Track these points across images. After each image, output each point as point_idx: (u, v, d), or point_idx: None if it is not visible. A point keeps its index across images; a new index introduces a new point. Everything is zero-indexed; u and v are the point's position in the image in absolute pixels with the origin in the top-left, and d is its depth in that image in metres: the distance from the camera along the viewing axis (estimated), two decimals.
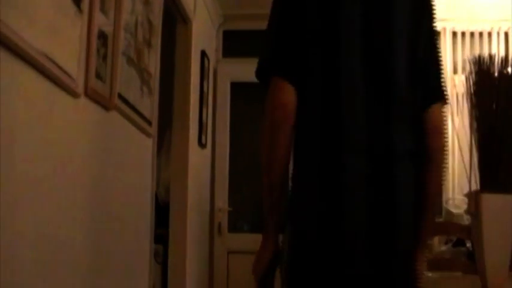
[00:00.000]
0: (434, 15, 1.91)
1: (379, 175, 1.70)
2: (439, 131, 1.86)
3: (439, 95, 1.88)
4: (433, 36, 1.92)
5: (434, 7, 1.92)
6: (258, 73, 1.80)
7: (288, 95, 1.70)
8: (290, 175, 1.75)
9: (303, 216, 1.71)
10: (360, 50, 1.75)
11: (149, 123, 3.30)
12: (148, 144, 3.39)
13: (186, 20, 4.51)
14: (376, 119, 1.72)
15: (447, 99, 1.91)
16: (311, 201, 1.69)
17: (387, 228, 1.69)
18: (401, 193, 1.72)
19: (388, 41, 1.78)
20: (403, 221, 1.71)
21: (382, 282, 1.68)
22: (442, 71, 1.92)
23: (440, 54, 1.92)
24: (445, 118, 1.86)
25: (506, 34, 5.77)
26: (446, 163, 1.86)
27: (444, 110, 1.88)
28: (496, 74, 2.12)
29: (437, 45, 1.92)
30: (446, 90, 1.90)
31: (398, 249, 1.71)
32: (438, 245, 4.68)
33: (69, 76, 2.15)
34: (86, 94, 2.36)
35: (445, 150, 1.86)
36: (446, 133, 1.86)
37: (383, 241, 1.68)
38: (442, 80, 1.90)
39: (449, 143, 5.65)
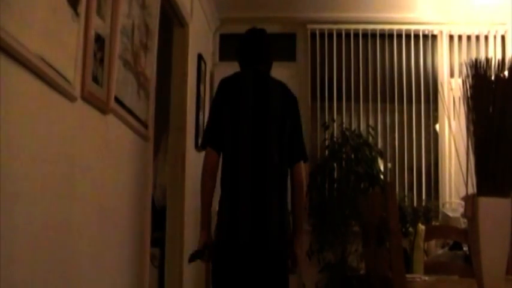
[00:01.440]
0: (297, 112, 3.37)
1: (258, 206, 3.12)
2: (300, 178, 3.30)
3: (300, 157, 3.32)
4: (297, 125, 3.34)
5: (296, 106, 3.38)
6: (201, 145, 3.30)
7: (214, 157, 3.19)
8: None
9: (223, 218, 3.16)
10: (250, 132, 3.19)
11: (146, 126, 3.30)
12: (145, 148, 3.39)
13: (182, 24, 4.51)
14: (257, 175, 3.14)
15: (306, 158, 3.38)
16: (226, 211, 3.15)
17: (262, 231, 3.11)
18: (271, 212, 3.13)
19: (265, 132, 3.21)
20: (272, 230, 3.12)
21: (261, 250, 3.10)
22: (303, 143, 3.38)
23: (301, 135, 3.37)
24: (303, 170, 3.34)
25: (502, 37, 5.79)
26: (304, 192, 3.38)
27: (303, 165, 3.34)
28: (492, 78, 2.12)
29: (300, 130, 3.36)
30: (305, 153, 3.37)
31: (269, 235, 3.11)
32: (435, 248, 4.68)
33: (66, 79, 2.15)
34: (83, 97, 2.36)
35: (303, 187, 3.34)
36: (304, 179, 3.32)
37: (260, 229, 3.10)
38: (303, 148, 3.36)
39: (446, 147, 5.67)
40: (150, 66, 3.34)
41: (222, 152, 3.20)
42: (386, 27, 5.88)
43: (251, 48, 3.55)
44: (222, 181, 3.22)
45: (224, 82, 3.38)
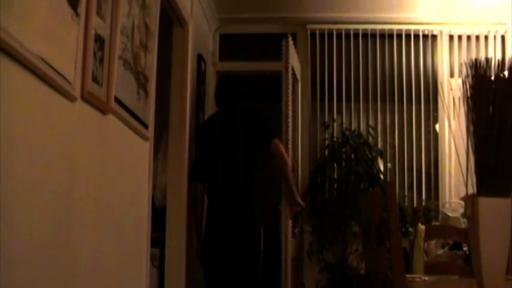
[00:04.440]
0: (257, 121, 4.52)
1: (235, 216, 4.35)
2: (277, 160, 4.48)
3: (268, 139, 4.44)
4: (257, 126, 4.49)
5: (256, 118, 4.53)
6: (190, 179, 4.50)
7: (200, 187, 4.48)
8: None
9: (208, 227, 4.42)
10: (222, 160, 4.41)
11: (146, 126, 3.29)
12: (145, 148, 3.39)
13: (182, 24, 4.51)
14: (232, 184, 4.40)
15: (273, 137, 4.45)
16: (210, 221, 4.44)
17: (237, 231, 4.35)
18: (241, 209, 4.34)
19: (233, 154, 4.42)
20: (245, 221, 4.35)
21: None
22: (265, 130, 4.47)
23: (263, 127, 4.48)
24: (278, 147, 4.43)
25: (502, 37, 5.79)
26: (284, 161, 4.46)
27: (275, 142, 4.42)
28: (492, 78, 2.12)
29: (261, 126, 4.49)
30: (270, 135, 4.45)
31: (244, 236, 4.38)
32: (435, 248, 4.69)
33: (66, 80, 2.15)
34: (83, 98, 2.35)
35: (282, 163, 4.47)
36: (280, 155, 4.44)
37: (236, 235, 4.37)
38: (266, 134, 4.46)
39: (446, 147, 5.67)
40: (150, 66, 3.34)
41: (208, 182, 4.49)
42: (386, 27, 5.88)
43: (223, 91, 4.73)
44: (208, 201, 4.51)
45: (199, 128, 4.78)
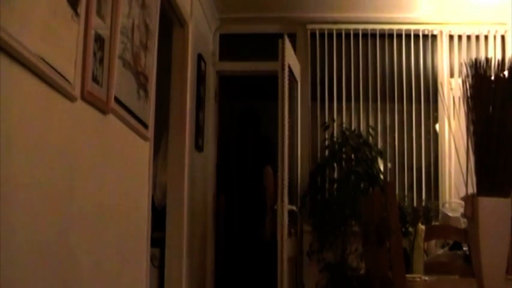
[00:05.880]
0: (269, 147, 5.63)
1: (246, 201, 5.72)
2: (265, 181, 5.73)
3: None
4: (266, 151, 5.78)
5: (268, 145, 5.71)
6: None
7: (223, 197, 5.79)
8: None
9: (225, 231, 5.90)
10: (236, 178, 5.85)
11: (146, 126, 3.29)
12: (145, 148, 3.39)
13: (182, 23, 4.51)
14: (244, 180, 5.81)
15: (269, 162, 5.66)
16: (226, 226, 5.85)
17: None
18: (251, 201, 5.69)
19: (246, 173, 5.82)
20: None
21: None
22: (270, 154, 5.50)
23: (270, 150, 5.62)
24: (268, 173, 5.70)
25: (502, 37, 5.78)
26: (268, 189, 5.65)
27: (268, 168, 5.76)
28: (492, 78, 2.12)
29: (269, 150, 5.64)
30: (269, 160, 5.59)
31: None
32: (435, 248, 4.68)
33: (66, 79, 2.15)
34: (83, 97, 2.35)
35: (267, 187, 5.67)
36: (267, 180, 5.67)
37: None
38: (269, 157, 5.64)
39: (446, 147, 5.67)
40: (150, 66, 3.34)
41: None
42: (386, 27, 5.87)
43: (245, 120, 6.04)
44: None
45: (223, 145, 5.86)
